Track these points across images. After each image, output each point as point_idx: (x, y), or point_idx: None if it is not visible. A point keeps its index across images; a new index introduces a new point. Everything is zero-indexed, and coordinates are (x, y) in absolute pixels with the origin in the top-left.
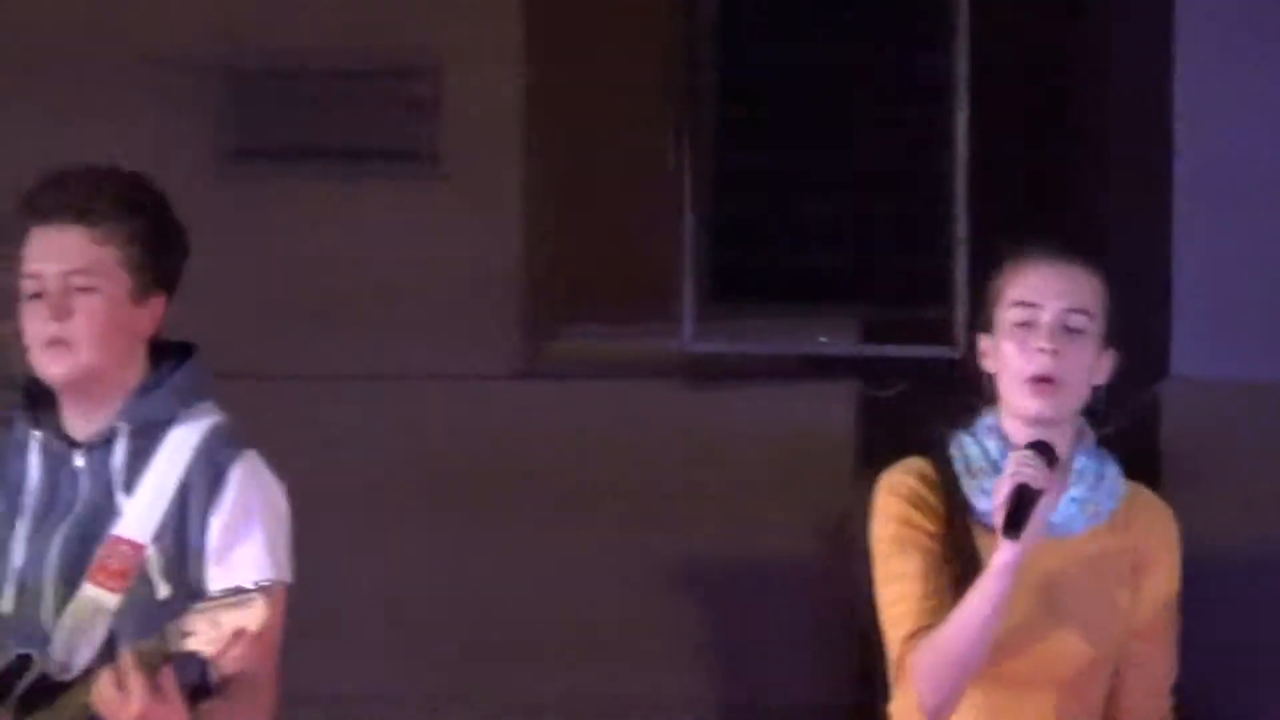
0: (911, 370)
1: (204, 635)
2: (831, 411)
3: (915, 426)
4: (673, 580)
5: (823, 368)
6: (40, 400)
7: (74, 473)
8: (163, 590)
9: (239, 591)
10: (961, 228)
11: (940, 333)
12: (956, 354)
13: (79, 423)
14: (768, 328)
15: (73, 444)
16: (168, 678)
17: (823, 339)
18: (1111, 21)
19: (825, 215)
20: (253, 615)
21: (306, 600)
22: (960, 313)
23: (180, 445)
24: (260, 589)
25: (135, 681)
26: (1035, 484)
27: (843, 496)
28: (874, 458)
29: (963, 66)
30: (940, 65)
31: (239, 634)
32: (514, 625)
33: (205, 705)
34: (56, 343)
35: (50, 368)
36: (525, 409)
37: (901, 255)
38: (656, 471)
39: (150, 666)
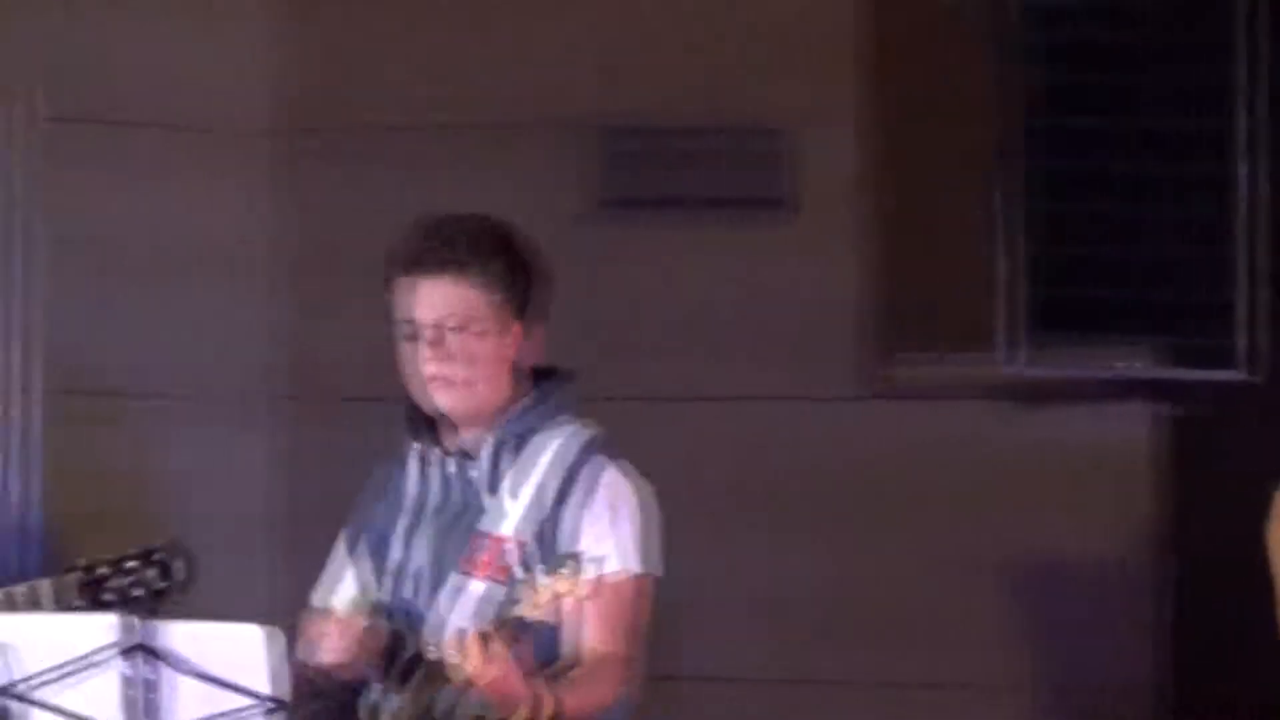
0: (1206, 393)
1: (528, 601)
2: (1131, 431)
3: (1212, 447)
4: (995, 576)
5: (1123, 390)
6: (418, 418)
7: (446, 477)
8: (522, 583)
9: (559, 563)
10: (1260, 256)
11: (1231, 357)
12: (1256, 379)
13: (454, 436)
14: (1076, 353)
15: (450, 454)
16: (503, 648)
17: (1121, 364)
18: None
19: (1136, 254)
20: (569, 583)
21: (675, 595)
22: (1262, 339)
23: (548, 452)
24: (572, 559)
25: (479, 650)
26: None
27: (1142, 505)
28: (1177, 475)
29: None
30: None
31: (557, 599)
32: (853, 616)
33: (558, 680)
34: (437, 379)
35: (437, 401)
36: (862, 427)
37: (1199, 285)
38: (978, 482)
39: (497, 638)
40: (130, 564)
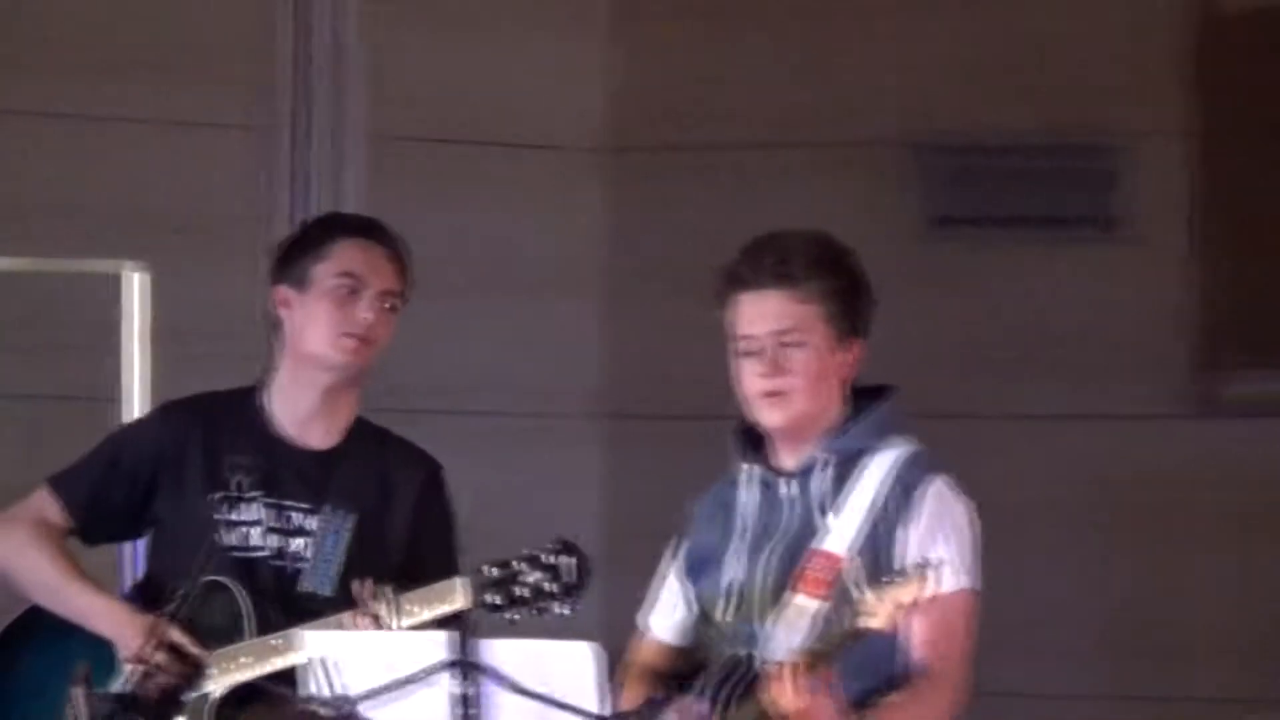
0: None
1: (872, 612)
2: None
3: None
4: None
5: None
6: (751, 437)
7: (781, 498)
8: (857, 597)
9: (902, 572)
10: None
11: None
12: None
13: (787, 456)
14: None
15: (780, 473)
16: (827, 675)
17: None
18: None
19: None
20: (912, 590)
21: (1005, 610)
22: None
23: (877, 470)
24: (919, 566)
25: (800, 677)
26: None
27: None
28: None
29: None
30: None
31: (901, 608)
32: (1181, 633)
33: (888, 699)
34: (773, 394)
35: (769, 416)
36: (1192, 444)
37: None
38: None
39: (817, 663)
40: (546, 558)
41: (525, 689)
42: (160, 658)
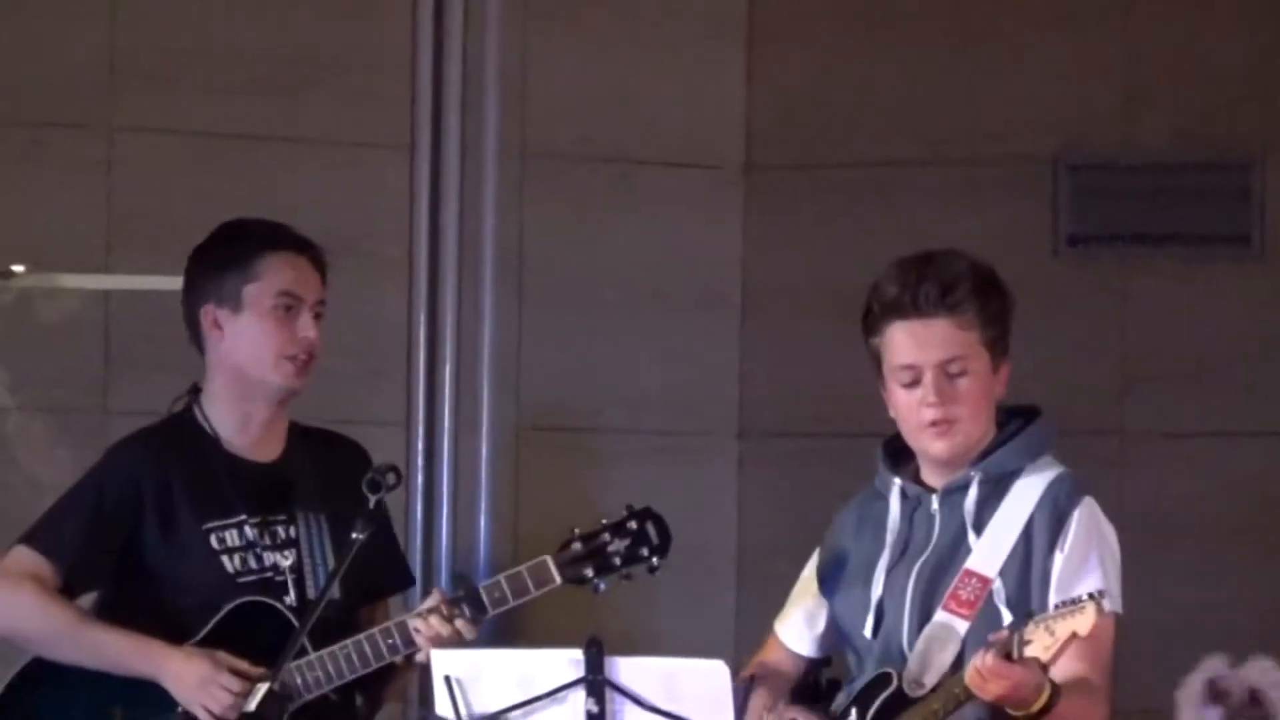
0: None
1: (1040, 643)
2: None
3: None
4: None
5: None
6: (899, 453)
7: (930, 515)
8: (1008, 618)
9: (1073, 602)
10: None
11: None
12: None
13: (935, 473)
14: None
15: (928, 489)
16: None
17: None
18: None
19: None
20: (1084, 621)
21: (1153, 627)
22: None
23: (1027, 491)
24: (1091, 598)
25: (992, 664)
26: None
27: None
28: None
29: None
30: None
31: (1070, 639)
32: None
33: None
34: (940, 423)
35: (936, 447)
36: None
37: None
38: None
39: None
40: (629, 524)
41: (658, 708)
42: (240, 685)
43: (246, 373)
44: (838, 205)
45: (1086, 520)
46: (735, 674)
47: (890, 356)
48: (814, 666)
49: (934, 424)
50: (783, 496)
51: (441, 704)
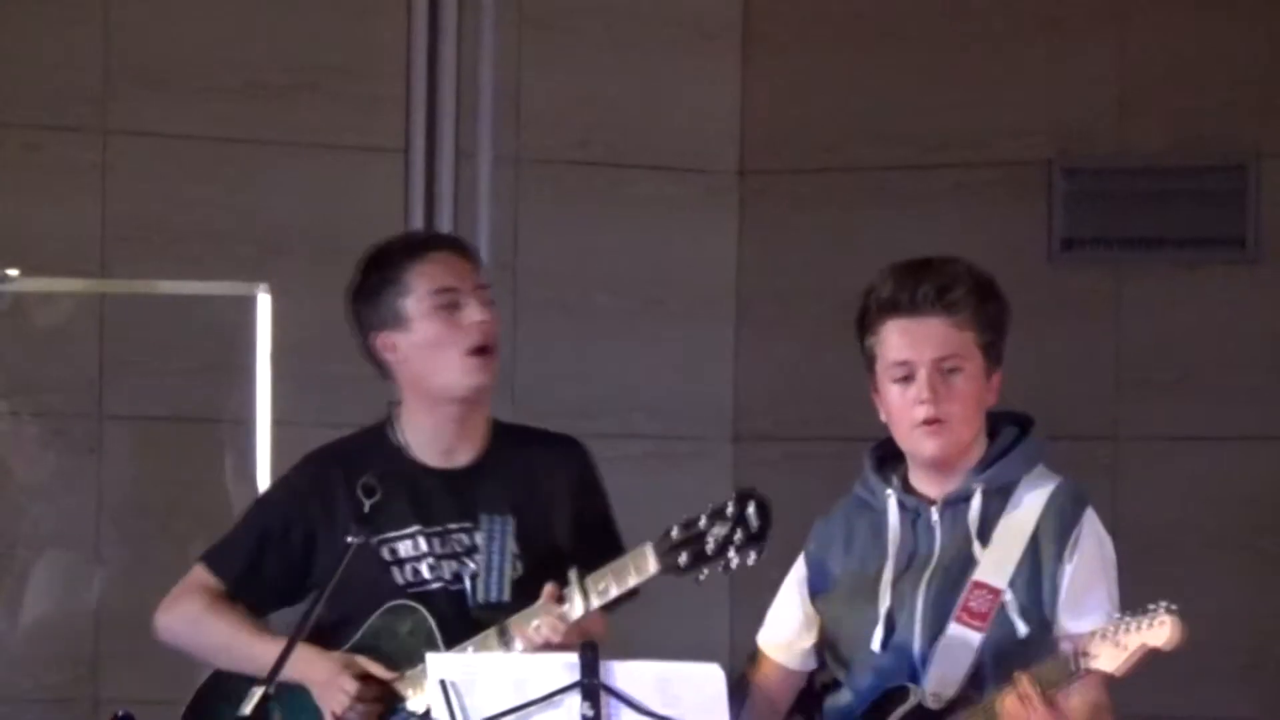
0: None
1: (1107, 655)
2: None
3: None
4: None
5: None
6: (888, 461)
7: (930, 526)
8: (1022, 629)
9: (1144, 613)
10: None
11: None
12: None
13: (930, 483)
14: None
15: (925, 500)
16: (1062, 696)
17: None
18: None
19: None
20: (1162, 634)
21: None
22: None
23: (1029, 501)
24: (1168, 610)
25: (1035, 698)
26: None
27: None
28: None
29: None
30: None
31: (1143, 650)
32: None
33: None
34: (933, 422)
35: (926, 445)
36: None
37: None
38: None
39: (1048, 685)
40: (730, 509)
41: (653, 711)
42: (356, 687)
43: (431, 382)
44: (832, 210)
45: (1092, 532)
46: (730, 678)
47: (885, 354)
48: (796, 679)
49: (926, 422)
50: (777, 500)
51: (437, 708)
